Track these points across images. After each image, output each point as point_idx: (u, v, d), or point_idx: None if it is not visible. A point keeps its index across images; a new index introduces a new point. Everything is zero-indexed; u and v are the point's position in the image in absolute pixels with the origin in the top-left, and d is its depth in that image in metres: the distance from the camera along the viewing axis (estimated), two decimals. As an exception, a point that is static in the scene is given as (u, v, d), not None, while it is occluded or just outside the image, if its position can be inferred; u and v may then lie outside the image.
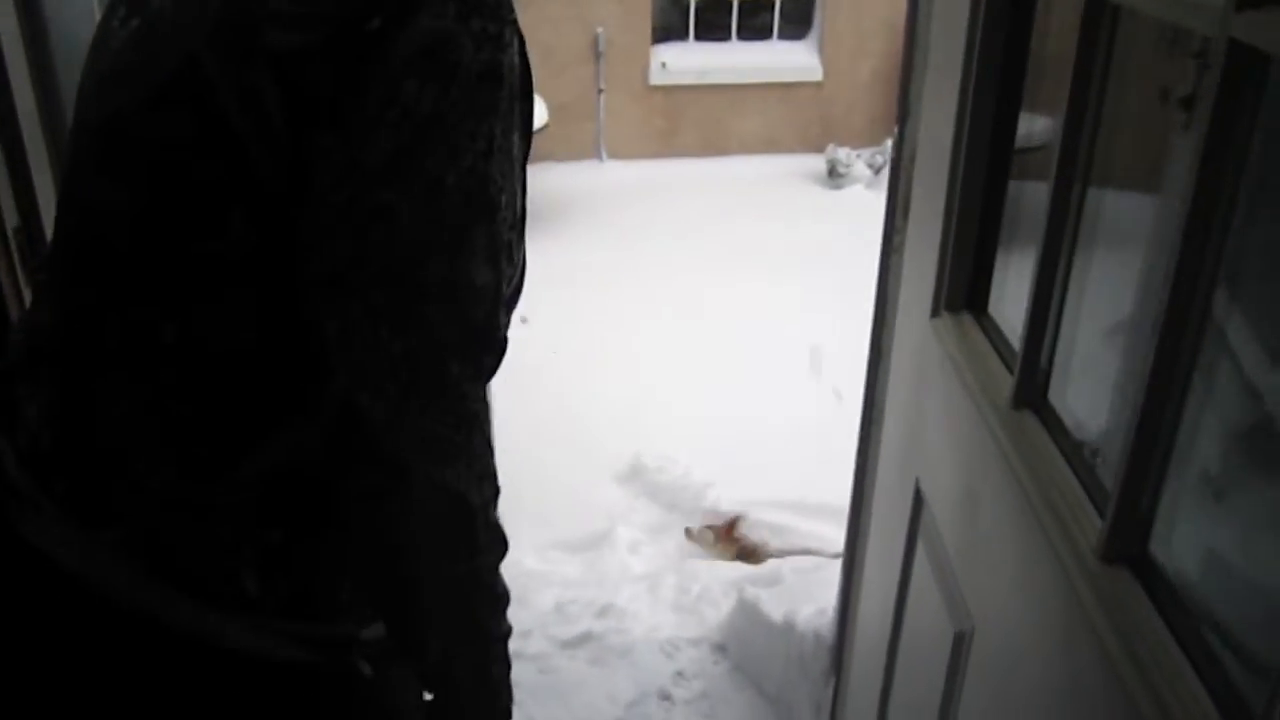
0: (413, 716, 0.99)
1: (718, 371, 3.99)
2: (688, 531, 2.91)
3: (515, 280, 0.95)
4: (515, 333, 0.93)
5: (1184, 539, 0.74)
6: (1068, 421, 0.96)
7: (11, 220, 1.02)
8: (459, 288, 0.78)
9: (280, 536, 0.84)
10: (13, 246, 1.03)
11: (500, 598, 0.94)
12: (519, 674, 2.55)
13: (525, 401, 3.02)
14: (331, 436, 0.78)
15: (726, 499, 3.10)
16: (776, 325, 4.15)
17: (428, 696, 0.99)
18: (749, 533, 2.92)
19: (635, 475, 3.34)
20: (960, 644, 1.09)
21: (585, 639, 2.30)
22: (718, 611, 2.44)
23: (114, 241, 0.84)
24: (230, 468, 0.82)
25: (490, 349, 0.84)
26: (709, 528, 2.89)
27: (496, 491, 0.89)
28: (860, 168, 5.64)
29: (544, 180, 6.11)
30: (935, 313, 1.34)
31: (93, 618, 0.85)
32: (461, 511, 0.83)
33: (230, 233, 0.77)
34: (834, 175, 5.69)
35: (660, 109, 6.04)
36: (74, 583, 0.84)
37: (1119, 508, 0.75)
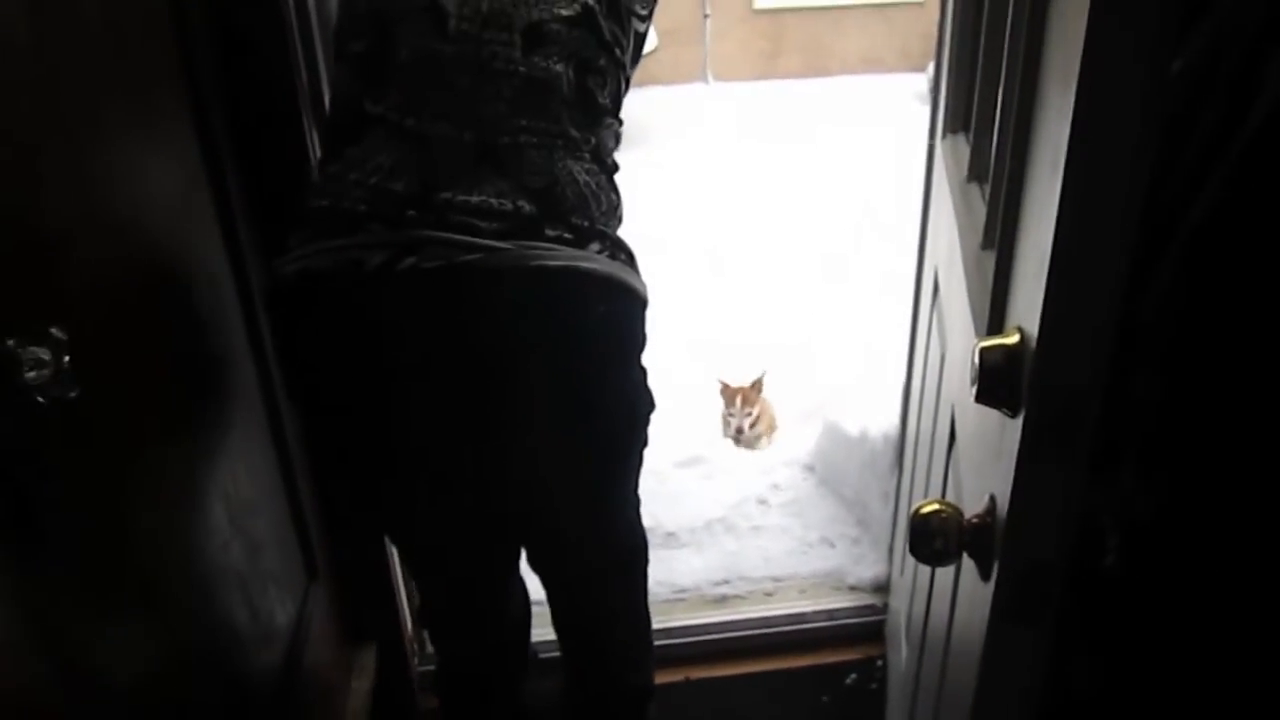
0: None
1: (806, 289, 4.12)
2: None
3: None
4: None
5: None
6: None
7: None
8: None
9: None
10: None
11: None
12: (643, 485, 3.01)
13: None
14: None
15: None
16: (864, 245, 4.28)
17: None
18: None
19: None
20: (941, 362, 1.51)
21: (696, 461, 2.81)
22: (809, 442, 2.88)
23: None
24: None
25: None
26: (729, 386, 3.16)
27: None
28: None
29: (652, 100, 6.38)
30: (944, 135, 1.73)
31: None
32: None
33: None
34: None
35: (764, 32, 6.34)
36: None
37: (990, 207, 1.16)
